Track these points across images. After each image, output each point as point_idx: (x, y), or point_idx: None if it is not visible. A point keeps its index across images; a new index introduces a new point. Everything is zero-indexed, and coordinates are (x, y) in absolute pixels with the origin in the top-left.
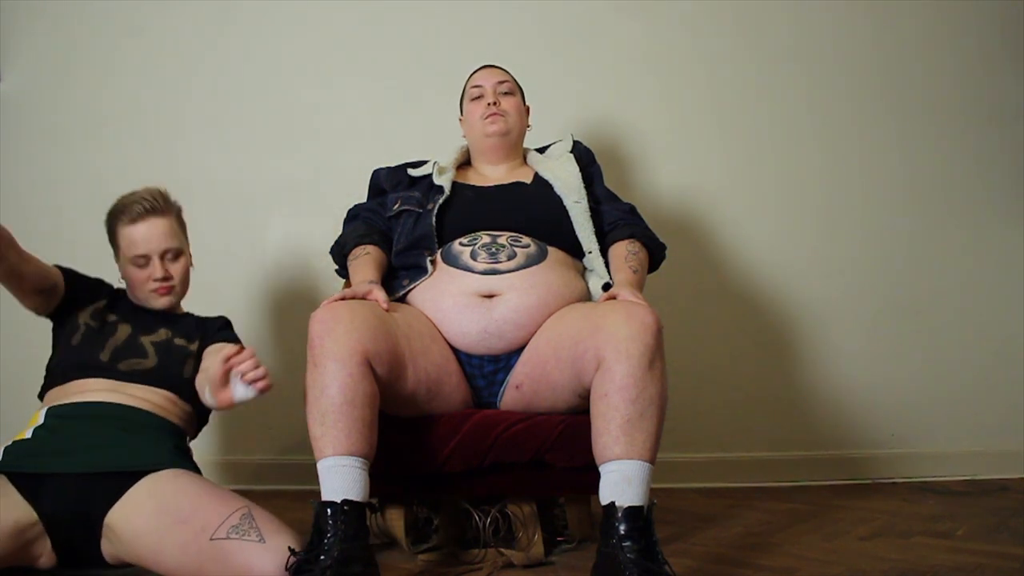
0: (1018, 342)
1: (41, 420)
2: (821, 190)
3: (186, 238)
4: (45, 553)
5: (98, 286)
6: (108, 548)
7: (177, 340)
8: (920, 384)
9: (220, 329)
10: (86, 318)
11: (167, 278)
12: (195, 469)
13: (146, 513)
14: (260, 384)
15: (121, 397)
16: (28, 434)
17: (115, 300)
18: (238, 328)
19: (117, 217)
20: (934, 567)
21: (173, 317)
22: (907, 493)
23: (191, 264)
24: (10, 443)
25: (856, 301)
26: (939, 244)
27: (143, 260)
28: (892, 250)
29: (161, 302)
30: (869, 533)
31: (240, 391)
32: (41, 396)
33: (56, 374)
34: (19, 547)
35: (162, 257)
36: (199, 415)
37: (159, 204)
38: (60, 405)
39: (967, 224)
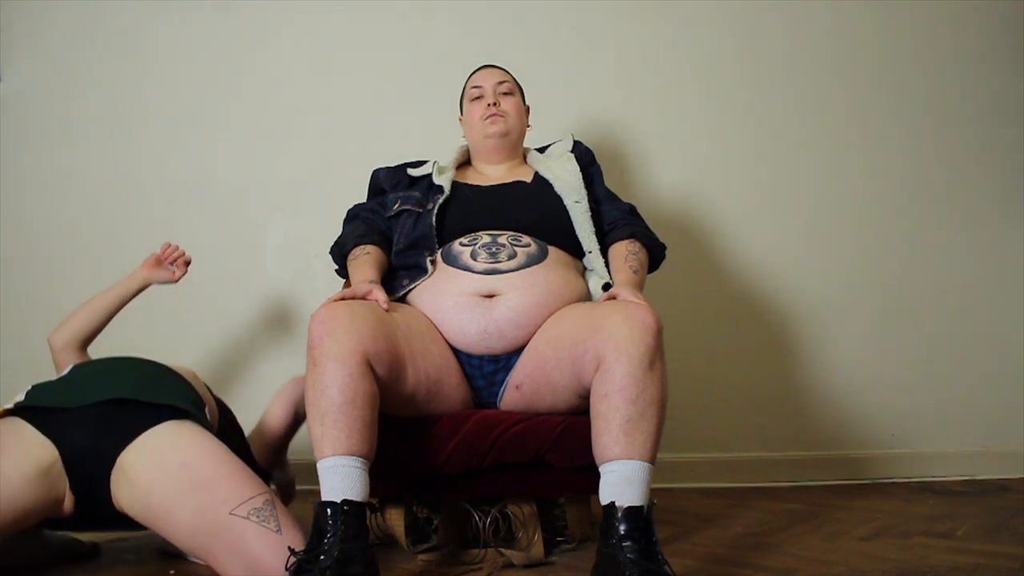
0: (1018, 342)
1: (65, 372)
2: (821, 190)
3: None
4: (67, 494)
5: None
6: (118, 493)
7: None
8: (920, 384)
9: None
10: None
11: None
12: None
13: (166, 465)
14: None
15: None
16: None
17: None
18: (238, 327)
19: None
20: (934, 567)
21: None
22: (907, 493)
23: None
24: (30, 387)
25: (856, 301)
26: (939, 244)
27: None
28: (892, 250)
29: None
30: (869, 533)
31: None
32: None
33: None
34: (48, 488)
35: None
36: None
37: None
38: (85, 362)
39: (967, 224)
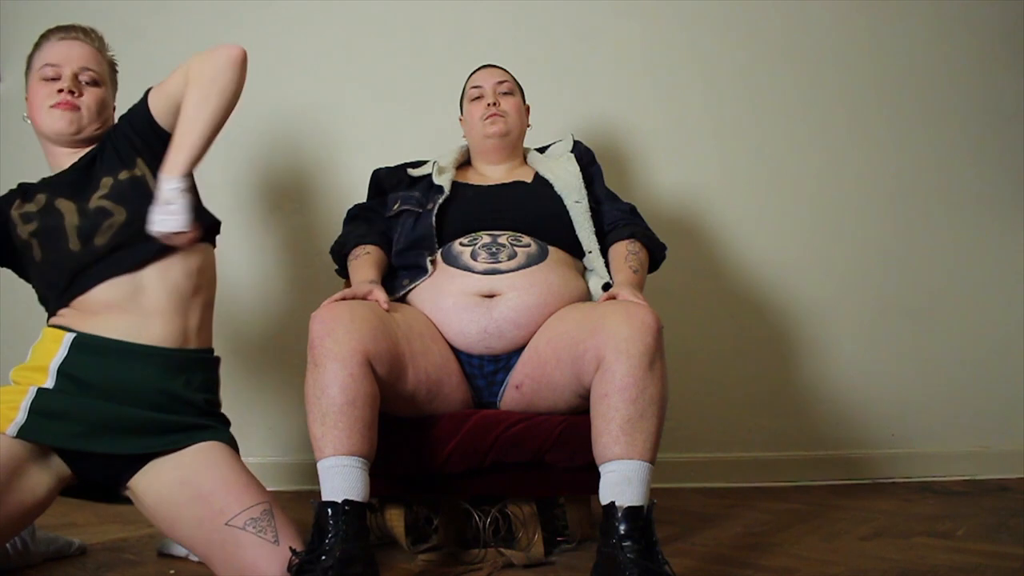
0: (1018, 342)
1: (64, 353)
2: (821, 189)
3: (113, 81)
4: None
5: (8, 194)
6: (130, 495)
7: (122, 176)
8: (920, 384)
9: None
10: (24, 228)
11: (72, 92)
12: (226, 432)
13: (168, 482)
14: None
15: (140, 321)
16: (51, 377)
17: (30, 187)
18: (238, 329)
19: (37, 44)
20: (934, 567)
21: (93, 153)
22: (907, 493)
23: (112, 105)
24: (29, 403)
25: (856, 301)
26: (939, 244)
27: (52, 70)
28: (892, 250)
29: (61, 123)
30: (869, 533)
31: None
32: (50, 317)
33: (51, 295)
34: (64, 483)
35: (76, 76)
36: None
37: (88, 34)
38: (85, 336)
39: (967, 224)
